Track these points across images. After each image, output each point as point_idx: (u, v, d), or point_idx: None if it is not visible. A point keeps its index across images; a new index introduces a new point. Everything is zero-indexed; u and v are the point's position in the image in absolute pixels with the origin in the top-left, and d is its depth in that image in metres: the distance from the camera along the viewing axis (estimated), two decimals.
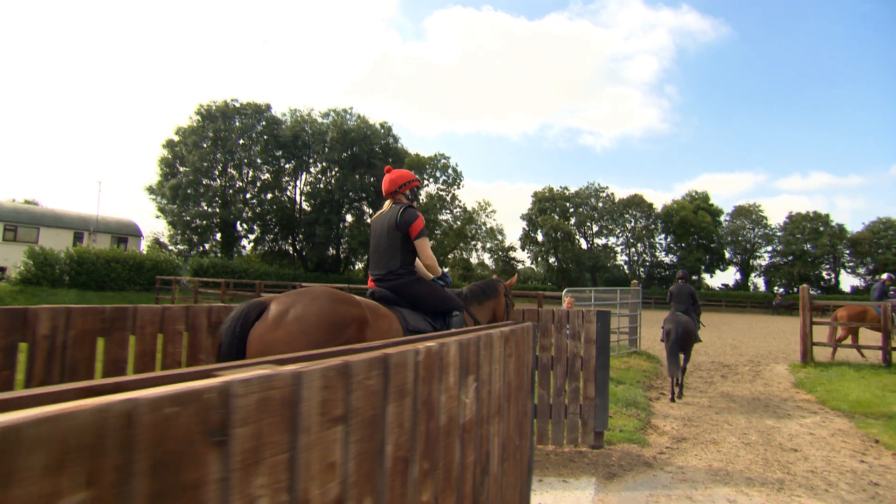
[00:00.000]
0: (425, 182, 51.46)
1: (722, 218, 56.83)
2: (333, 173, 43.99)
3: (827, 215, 52.94)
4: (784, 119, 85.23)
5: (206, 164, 38.80)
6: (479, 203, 55.73)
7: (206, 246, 41.26)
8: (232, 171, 41.42)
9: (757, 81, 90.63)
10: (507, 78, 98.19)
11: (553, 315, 4.91)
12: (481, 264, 58.83)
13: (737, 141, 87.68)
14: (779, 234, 55.00)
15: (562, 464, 4.59)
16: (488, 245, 55.81)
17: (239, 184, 42.24)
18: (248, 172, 42.26)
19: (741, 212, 57.04)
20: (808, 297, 10.48)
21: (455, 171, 51.92)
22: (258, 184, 43.30)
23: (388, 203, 3.31)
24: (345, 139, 41.23)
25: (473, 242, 54.86)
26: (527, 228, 56.38)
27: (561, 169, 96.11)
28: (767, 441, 5.59)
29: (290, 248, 46.49)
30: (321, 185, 45.07)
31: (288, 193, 46.06)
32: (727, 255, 56.66)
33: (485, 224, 54.95)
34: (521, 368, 2.47)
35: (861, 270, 52.87)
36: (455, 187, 52.60)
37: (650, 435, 5.65)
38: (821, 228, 52.11)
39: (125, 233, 38.36)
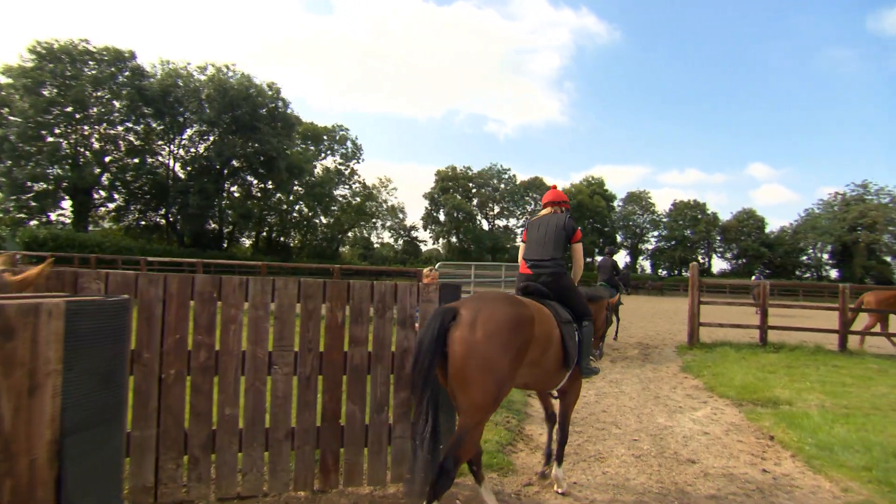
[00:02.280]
0: (321, 155, 47.89)
1: (615, 203, 59.83)
2: (212, 137, 38.91)
3: (704, 204, 57.86)
4: (665, 120, 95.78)
5: (48, 117, 32.03)
6: (380, 179, 53.34)
7: (52, 215, 34.62)
8: (85, 127, 34.81)
9: (643, 85, 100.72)
10: (415, 61, 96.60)
11: (372, 291, 3.20)
12: (386, 245, 56.79)
13: (627, 137, 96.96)
14: (664, 220, 59.14)
15: None
16: (388, 223, 53.68)
17: (95, 143, 35.72)
18: (107, 130, 35.81)
19: (632, 198, 60.46)
20: (697, 275, 9.93)
21: (354, 144, 48.92)
22: (122, 144, 37.00)
23: (547, 210, 3.82)
24: (225, 99, 36.33)
25: (374, 220, 52.39)
26: (429, 208, 55.02)
27: (468, 154, 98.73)
28: (661, 450, 4.43)
29: (163, 221, 40.83)
30: (199, 150, 39.74)
31: (161, 158, 40.16)
32: (619, 238, 59.91)
33: (385, 202, 52.68)
34: None
35: (728, 255, 58.65)
36: (355, 161, 49.60)
37: (519, 452, 4.21)
38: (699, 216, 56.78)
39: None
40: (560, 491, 3.44)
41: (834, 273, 54.87)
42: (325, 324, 3.15)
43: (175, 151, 40.05)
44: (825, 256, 55.59)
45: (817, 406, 5.94)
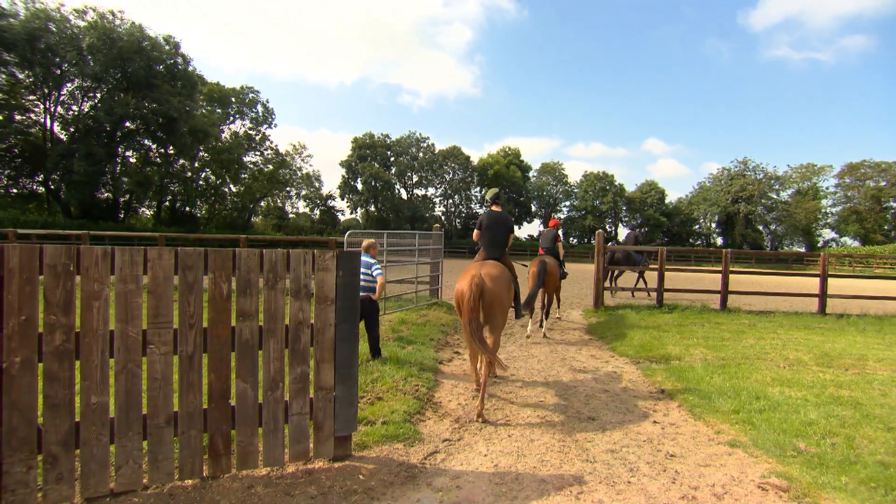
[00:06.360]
0: (229, 118, 44.39)
1: (530, 174, 61.64)
2: (99, 94, 34.50)
3: (612, 175, 61.28)
4: (571, 96, 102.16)
5: None
6: (294, 146, 50.68)
7: None
8: None
9: (550, 62, 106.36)
10: (325, 23, 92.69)
11: (261, 260, 2.93)
12: (303, 214, 54.49)
13: (535, 110, 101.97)
14: (575, 190, 62.03)
15: (270, 502, 2.76)
16: (304, 192, 51.41)
17: None
18: None
19: (546, 169, 62.60)
20: (603, 242, 10.45)
21: (265, 107, 45.80)
22: None
23: (550, 227, 8.97)
24: (112, 51, 32.14)
25: (288, 188, 49.91)
26: (346, 176, 53.34)
27: (382, 124, 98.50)
28: (565, 409, 4.62)
29: (42, 189, 36.04)
30: (83, 109, 35.08)
31: (34, 116, 35.05)
32: (533, 208, 62.08)
33: (300, 169, 50.23)
34: None
35: (633, 224, 63.02)
36: (266, 126, 46.53)
37: (427, 420, 4.19)
38: (607, 187, 60.14)
39: None
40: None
41: (720, 240, 61.12)
42: (208, 297, 2.85)
43: (52, 109, 35.12)
44: (713, 225, 61.58)
45: (700, 360, 6.53)
